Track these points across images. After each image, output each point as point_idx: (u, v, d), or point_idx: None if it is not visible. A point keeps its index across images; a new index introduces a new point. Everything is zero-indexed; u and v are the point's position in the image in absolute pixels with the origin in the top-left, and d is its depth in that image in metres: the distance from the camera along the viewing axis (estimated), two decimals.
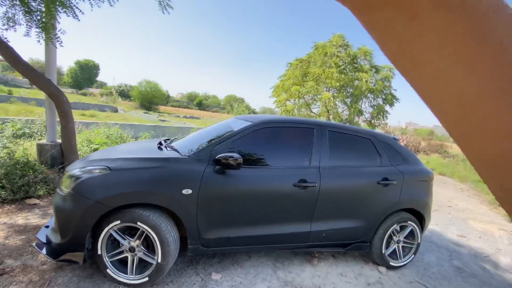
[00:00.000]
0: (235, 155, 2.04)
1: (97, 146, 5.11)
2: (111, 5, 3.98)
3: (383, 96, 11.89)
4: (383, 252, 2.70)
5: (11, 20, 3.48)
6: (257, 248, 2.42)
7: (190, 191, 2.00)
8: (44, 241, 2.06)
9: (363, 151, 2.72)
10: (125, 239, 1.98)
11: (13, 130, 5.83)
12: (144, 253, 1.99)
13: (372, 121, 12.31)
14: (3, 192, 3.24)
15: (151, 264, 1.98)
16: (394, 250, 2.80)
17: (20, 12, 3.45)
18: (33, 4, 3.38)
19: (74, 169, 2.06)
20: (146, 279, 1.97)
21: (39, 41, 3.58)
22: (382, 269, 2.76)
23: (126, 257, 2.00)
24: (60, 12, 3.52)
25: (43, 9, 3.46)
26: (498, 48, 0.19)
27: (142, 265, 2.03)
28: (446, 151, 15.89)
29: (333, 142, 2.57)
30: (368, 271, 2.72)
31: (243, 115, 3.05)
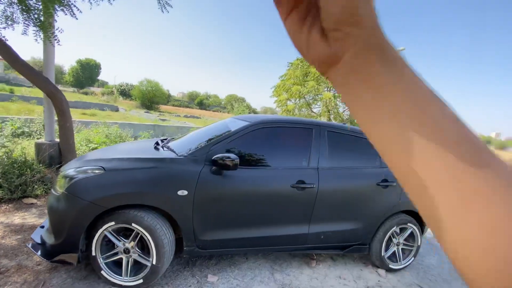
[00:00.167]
0: (232, 155, 2.01)
1: (96, 145, 5.09)
2: (110, 3, 3.95)
3: None
4: (383, 254, 2.66)
5: (9, 19, 3.46)
6: (254, 250, 2.39)
7: (186, 192, 1.97)
8: (39, 241, 2.04)
9: (362, 152, 2.68)
10: (119, 241, 1.95)
11: (12, 129, 5.83)
12: (139, 254, 1.96)
13: None
14: (0, 192, 3.22)
15: (146, 266, 1.95)
16: (394, 253, 2.76)
17: (18, 11, 3.43)
18: (31, 2, 3.36)
19: (69, 169, 2.03)
20: (141, 281, 1.94)
21: (36, 39, 3.56)
22: (382, 271, 2.72)
23: (121, 258, 1.97)
24: (57, 10, 3.50)
25: (41, 7, 3.44)
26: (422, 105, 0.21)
27: (137, 266, 2.00)
28: None
29: (332, 142, 2.53)
30: (367, 274, 2.68)
31: (241, 115, 3.02)
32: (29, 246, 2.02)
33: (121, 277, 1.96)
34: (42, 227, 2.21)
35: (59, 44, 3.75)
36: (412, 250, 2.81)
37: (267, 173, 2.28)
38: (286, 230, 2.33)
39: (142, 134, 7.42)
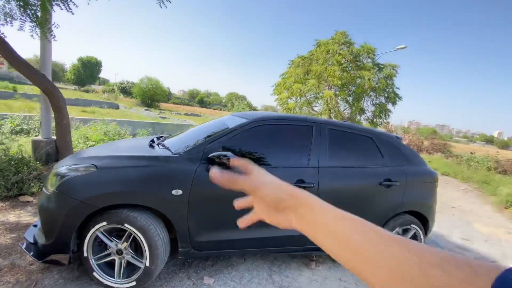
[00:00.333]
0: (229, 153, 1.94)
1: (94, 143, 5.03)
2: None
3: (386, 95, 11.72)
4: None
5: (8, 15, 3.40)
6: (251, 251, 2.32)
7: (180, 192, 1.90)
8: (32, 241, 1.98)
9: (364, 150, 2.60)
10: (112, 241, 1.89)
11: (11, 126, 5.79)
12: (132, 256, 1.90)
13: (374, 120, 12.14)
14: None
15: (139, 267, 1.88)
16: None
17: (15, 6, 3.36)
18: None
19: (61, 167, 1.97)
20: (134, 283, 1.88)
21: (32, 35, 3.50)
22: None
23: (114, 260, 1.91)
24: (53, 5, 3.42)
25: (38, 2, 3.37)
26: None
27: (130, 268, 1.94)
28: (449, 150, 15.64)
29: (333, 140, 2.45)
30: None
31: (239, 112, 2.94)
32: (23, 246, 1.97)
33: (113, 279, 1.89)
34: (35, 226, 2.16)
35: (55, 40, 3.68)
36: None
37: None
38: (284, 231, 2.25)
39: (140, 132, 7.36)
